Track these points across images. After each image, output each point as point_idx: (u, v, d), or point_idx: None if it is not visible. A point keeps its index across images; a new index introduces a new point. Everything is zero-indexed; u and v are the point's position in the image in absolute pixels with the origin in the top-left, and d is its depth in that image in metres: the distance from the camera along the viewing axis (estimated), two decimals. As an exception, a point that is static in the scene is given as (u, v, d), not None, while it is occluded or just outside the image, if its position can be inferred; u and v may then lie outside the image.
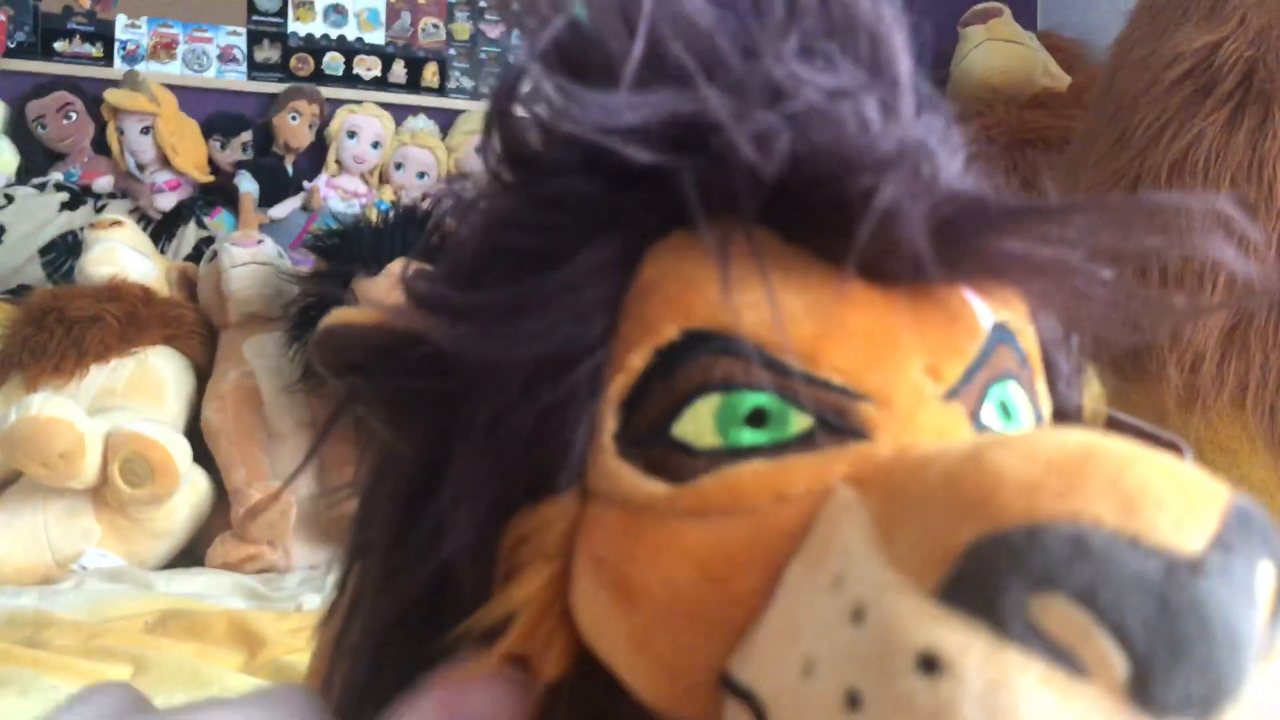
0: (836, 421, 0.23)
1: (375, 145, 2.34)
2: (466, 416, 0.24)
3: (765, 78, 0.24)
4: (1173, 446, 0.27)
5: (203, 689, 1.03)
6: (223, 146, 2.29)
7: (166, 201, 2.17)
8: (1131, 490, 0.17)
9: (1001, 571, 0.17)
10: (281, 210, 2.26)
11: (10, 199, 2.11)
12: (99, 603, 1.30)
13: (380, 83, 2.48)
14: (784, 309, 0.23)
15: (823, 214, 0.23)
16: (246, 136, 2.30)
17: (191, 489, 1.60)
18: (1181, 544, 0.17)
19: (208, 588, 1.45)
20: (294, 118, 2.31)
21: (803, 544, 0.21)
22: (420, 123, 2.41)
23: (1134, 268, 0.24)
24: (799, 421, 0.23)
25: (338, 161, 2.33)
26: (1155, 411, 1.08)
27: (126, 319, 1.73)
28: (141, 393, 1.71)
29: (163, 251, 2.08)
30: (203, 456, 1.66)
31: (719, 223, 0.24)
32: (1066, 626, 0.17)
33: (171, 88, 2.27)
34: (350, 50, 2.48)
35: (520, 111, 0.26)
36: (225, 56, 2.40)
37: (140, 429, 1.49)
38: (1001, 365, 0.25)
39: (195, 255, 2.11)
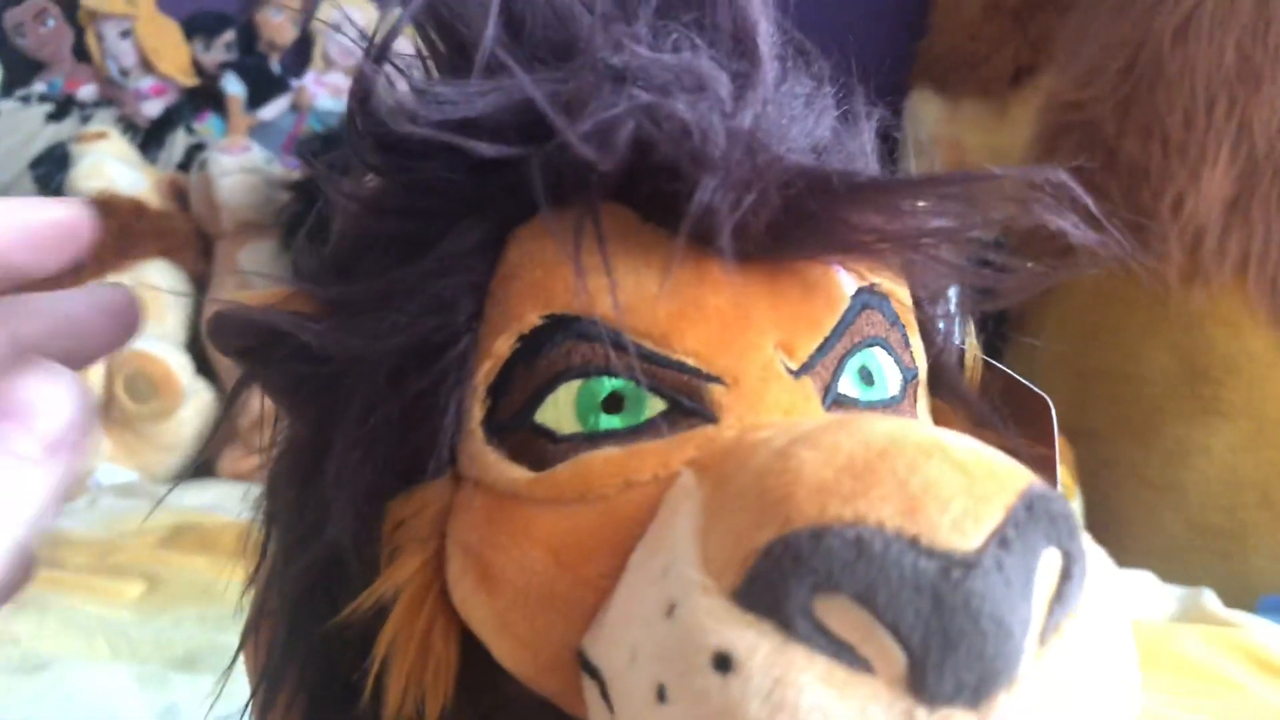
0: (689, 404, 0.23)
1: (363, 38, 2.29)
2: (342, 404, 0.25)
3: (612, 61, 0.24)
4: (1040, 401, 0.28)
5: (214, 603, 1.06)
6: (206, 48, 2.24)
7: (153, 108, 2.15)
8: (916, 491, 0.18)
9: (788, 574, 0.18)
10: (270, 111, 2.23)
11: (-5, 114, 2.09)
12: (112, 519, 1.33)
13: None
14: (643, 290, 0.23)
15: (670, 198, 0.23)
16: (229, 36, 2.26)
17: (197, 401, 1.63)
18: (958, 544, 0.18)
19: (220, 499, 1.48)
20: (277, 13, 2.26)
21: (647, 530, 0.22)
22: (405, 14, 2.36)
23: (987, 236, 0.24)
24: (653, 405, 0.23)
25: (324, 57, 2.29)
26: (1158, 287, 1.07)
27: (120, 234, 1.73)
28: (140, 307, 1.72)
29: (153, 160, 2.06)
30: (207, 368, 1.68)
31: (578, 204, 0.24)
32: (849, 625, 0.18)
33: (148, -12, 2.21)
34: (328, -59, 2.41)
35: (384, 96, 0.26)
36: (200, -45, 2.34)
37: (140, 346, 1.50)
38: (865, 331, 0.26)
39: (186, 162, 2.09)
